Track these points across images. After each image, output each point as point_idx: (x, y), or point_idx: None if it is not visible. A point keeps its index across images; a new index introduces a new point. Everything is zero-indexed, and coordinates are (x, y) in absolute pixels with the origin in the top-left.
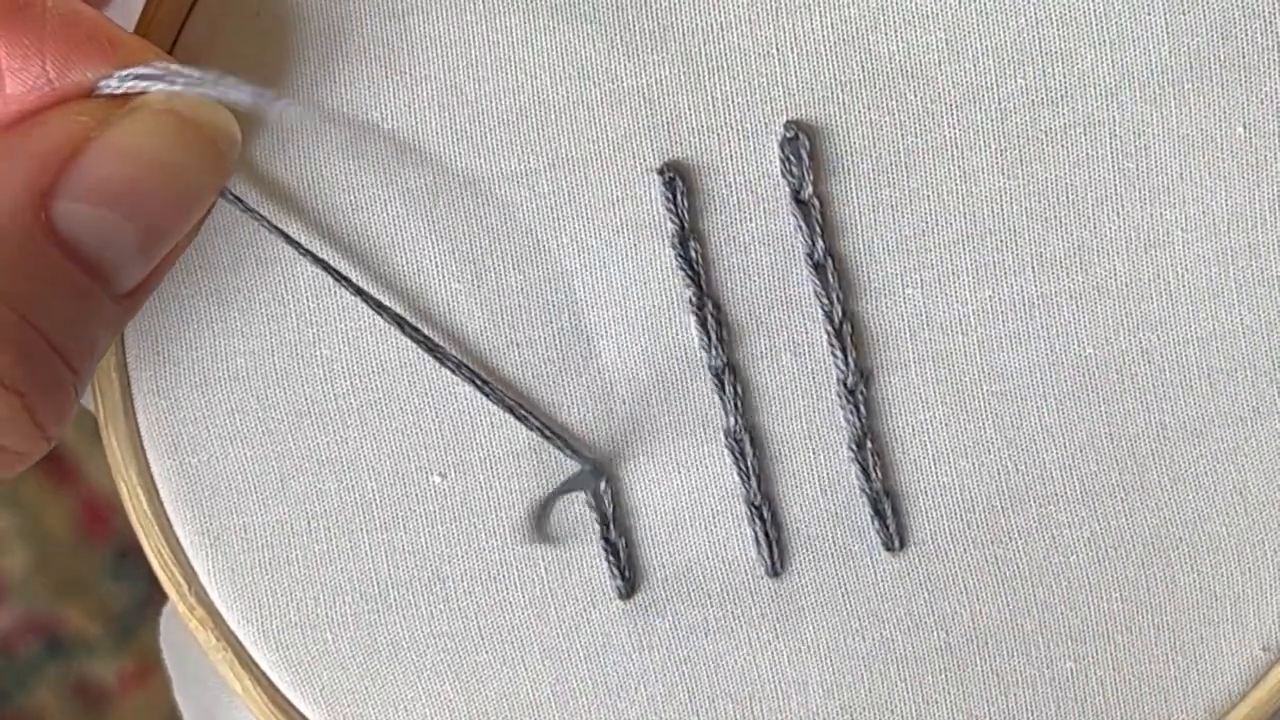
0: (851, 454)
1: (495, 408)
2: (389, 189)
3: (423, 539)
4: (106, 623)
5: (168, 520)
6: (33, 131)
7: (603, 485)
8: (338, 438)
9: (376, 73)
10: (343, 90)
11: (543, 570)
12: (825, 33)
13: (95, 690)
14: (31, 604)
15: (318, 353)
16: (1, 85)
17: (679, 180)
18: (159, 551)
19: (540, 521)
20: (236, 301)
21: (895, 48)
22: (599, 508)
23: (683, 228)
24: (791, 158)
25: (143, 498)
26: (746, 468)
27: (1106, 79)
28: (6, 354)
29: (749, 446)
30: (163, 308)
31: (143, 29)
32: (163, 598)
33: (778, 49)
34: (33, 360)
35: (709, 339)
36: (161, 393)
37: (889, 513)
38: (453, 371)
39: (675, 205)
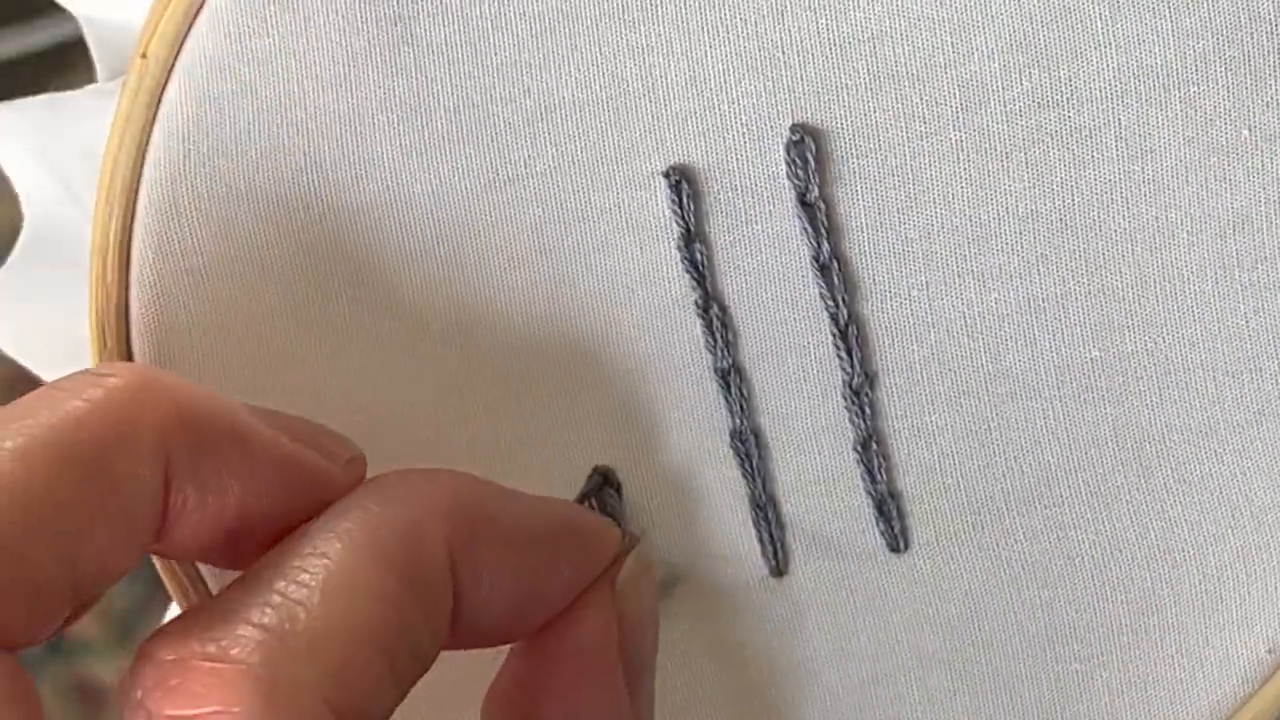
0: (856, 455)
1: (491, 427)
2: (395, 193)
3: None
4: (106, 623)
5: None
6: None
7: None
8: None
9: (384, 78)
10: (348, 95)
11: None
12: (831, 35)
13: (95, 690)
14: None
15: (318, 355)
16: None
17: (685, 183)
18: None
19: None
20: (238, 307)
21: (901, 50)
22: (603, 509)
23: (688, 230)
24: (797, 160)
25: None
26: (751, 469)
27: (1112, 81)
28: None
29: (754, 448)
30: (166, 312)
31: None
32: (164, 598)
33: (783, 51)
34: None
35: (714, 341)
36: None
37: (894, 514)
38: None
39: (681, 207)
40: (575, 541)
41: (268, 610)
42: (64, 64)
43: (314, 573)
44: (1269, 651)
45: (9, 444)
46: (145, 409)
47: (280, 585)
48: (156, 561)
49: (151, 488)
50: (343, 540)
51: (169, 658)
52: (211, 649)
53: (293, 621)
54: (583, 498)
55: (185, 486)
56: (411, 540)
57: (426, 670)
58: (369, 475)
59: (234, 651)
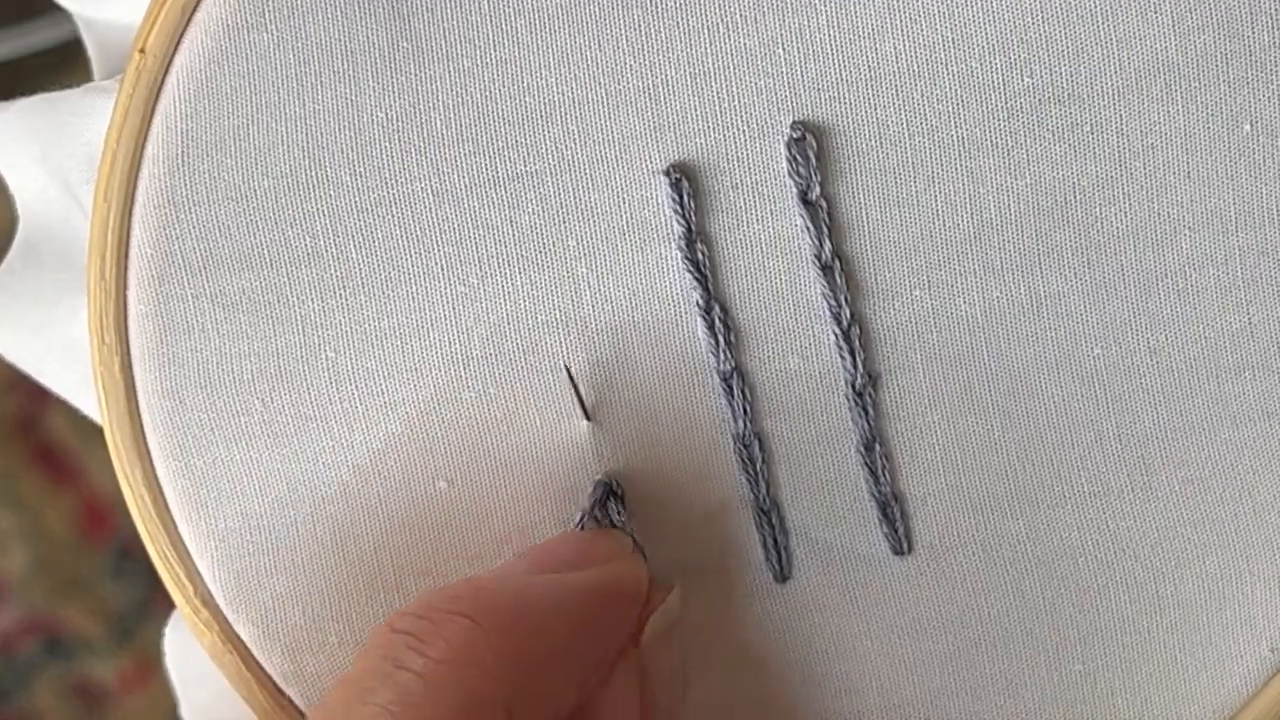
0: (860, 457)
1: (501, 414)
2: (395, 191)
3: (429, 544)
4: (106, 623)
5: (173, 523)
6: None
7: (614, 493)
8: (343, 442)
9: (382, 73)
10: (346, 91)
11: None
12: (831, 32)
13: (95, 690)
14: (31, 604)
15: (323, 356)
16: None
17: (685, 181)
18: (164, 555)
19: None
20: (241, 304)
21: (902, 47)
22: (608, 515)
23: (689, 229)
24: (798, 158)
25: (148, 500)
26: (755, 472)
27: (1113, 77)
28: None
29: (757, 451)
30: (168, 309)
31: None
32: (163, 598)
33: (784, 49)
34: None
35: (716, 343)
36: (166, 394)
37: (897, 517)
38: None
39: (682, 206)
40: (612, 617)
41: None
42: (64, 64)
43: None
44: (1272, 651)
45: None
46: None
47: None
48: (156, 561)
49: None
50: None
51: None
52: None
53: None
54: (588, 513)
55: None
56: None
57: None
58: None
59: None
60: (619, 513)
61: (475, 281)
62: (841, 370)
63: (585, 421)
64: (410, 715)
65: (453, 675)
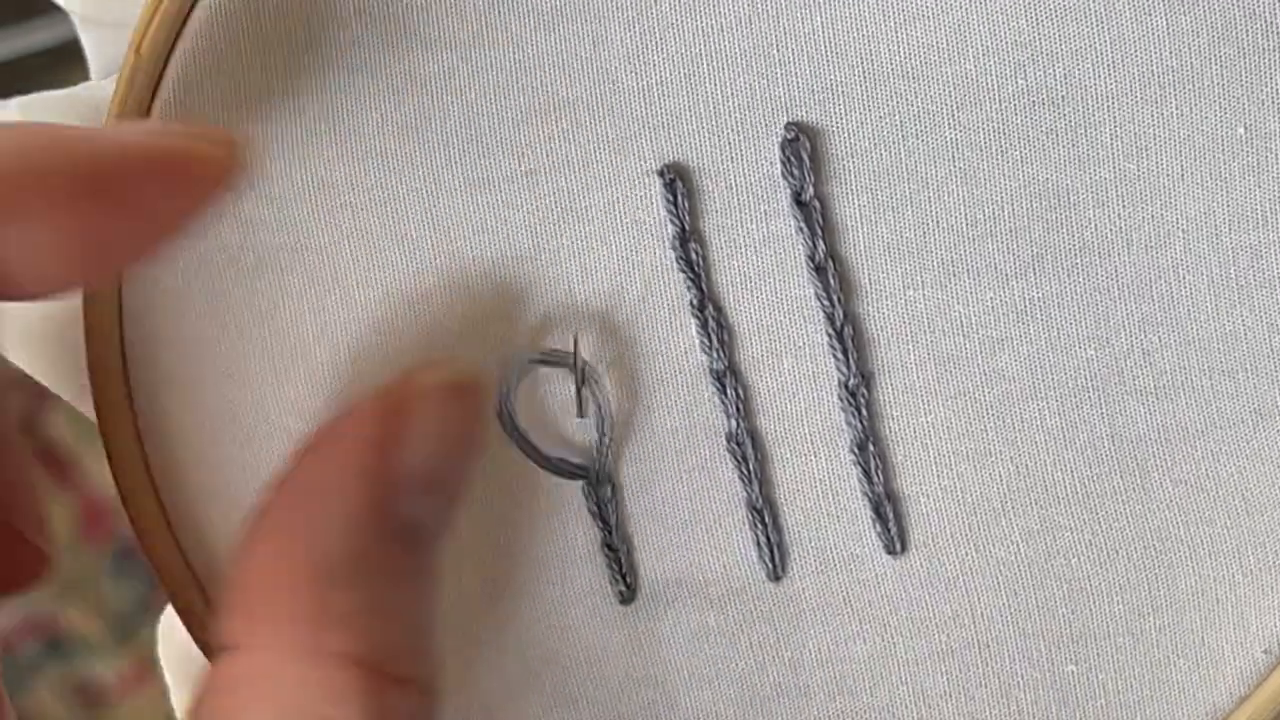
0: (853, 457)
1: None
2: (387, 191)
3: None
4: (106, 623)
5: (166, 523)
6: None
7: (607, 493)
8: None
9: (375, 74)
10: (340, 90)
11: (543, 576)
12: (826, 33)
13: (95, 690)
14: (31, 604)
15: (315, 355)
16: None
17: (679, 181)
18: (157, 555)
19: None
20: (230, 305)
21: (896, 48)
22: (601, 514)
23: (683, 229)
24: (792, 159)
25: (141, 501)
26: (748, 471)
27: (1107, 80)
28: (402, 659)
29: (750, 450)
30: (160, 307)
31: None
32: (163, 598)
33: (778, 49)
34: (402, 656)
35: (710, 342)
36: (159, 395)
37: (890, 516)
38: None
39: (676, 207)
40: (163, 174)
41: None
42: (62, 64)
43: None
44: (1265, 652)
45: None
46: None
47: None
48: (150, 562)
49: None
50: None
51: None
52: None
53: None
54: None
55: None
56: None
57: None
58: None
59: None
60: (610, 502)
61: (469, 281)
62: (835, 370)
63: (578, 418)
64: None
65: None
